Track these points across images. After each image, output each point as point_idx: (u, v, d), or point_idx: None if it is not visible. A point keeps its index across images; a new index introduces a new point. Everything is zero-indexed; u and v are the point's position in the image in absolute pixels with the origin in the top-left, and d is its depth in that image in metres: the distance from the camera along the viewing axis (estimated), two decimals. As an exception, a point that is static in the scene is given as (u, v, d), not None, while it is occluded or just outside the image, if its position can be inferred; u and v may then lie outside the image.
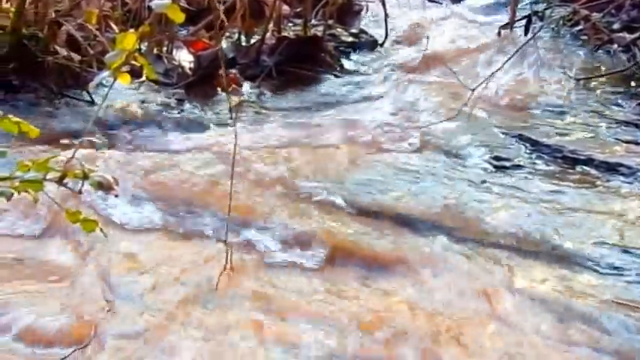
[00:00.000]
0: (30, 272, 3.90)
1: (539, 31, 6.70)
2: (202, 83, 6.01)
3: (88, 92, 5.67)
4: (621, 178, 4.80)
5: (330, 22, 7.13)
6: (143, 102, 5.61)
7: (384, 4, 7.16)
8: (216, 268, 3.84)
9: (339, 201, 4.42)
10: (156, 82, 5.87)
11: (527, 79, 6.10)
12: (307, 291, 3.75)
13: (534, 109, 5.70)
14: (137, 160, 4.85)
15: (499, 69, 5.53)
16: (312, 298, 3.69)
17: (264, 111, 5.74)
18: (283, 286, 3.78)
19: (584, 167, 4.92)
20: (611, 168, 4.89)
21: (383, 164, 4.85)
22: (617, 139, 5.32)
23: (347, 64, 6.65)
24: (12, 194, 2.42)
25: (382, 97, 5.86)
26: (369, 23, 7.60)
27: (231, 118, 5.41)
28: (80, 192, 2.47)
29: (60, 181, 2.42)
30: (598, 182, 4.75)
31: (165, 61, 6.27)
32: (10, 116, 2.45)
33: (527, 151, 5.06)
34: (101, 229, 2.53)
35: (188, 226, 4.23)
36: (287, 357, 3.34)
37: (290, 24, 7.21)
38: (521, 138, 5.19)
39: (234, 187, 4.15)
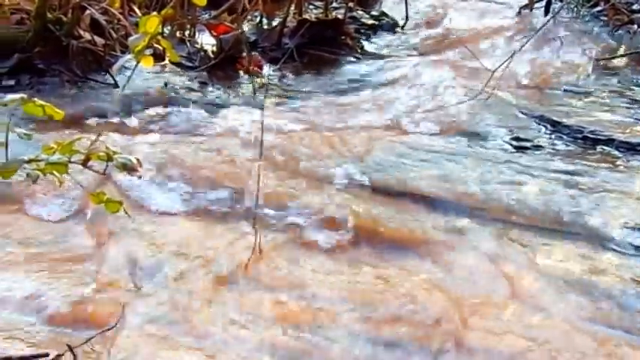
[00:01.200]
0: (58, 253, 3.96)
1: (559, 11, 6.69)
2: (224, 66, 6.02)
3: (111, 75, 5.70)
4: (642, 157, 4.80)
5: (351, 4, 7.13)
6: (166, 85, 5.63)
7: (404, -13, 7.16)
8: (242, 249, 3.88)
9: (362, 182, 4.44)
10: (178, 65, 5.89)
11: (547, 59, 6.08)
12: (332, 271, 3.78)
13: (554, 89, 5.68)
14: (160, 142, 4.88)
15: (519, 50, 5.52)
16: (336, 279, 3.72)
17: (285, 93, 5.75)
18: (309, 266, 3.81)
19: (605, 147, 4.91)
20: (632, 148, 4.87)
21: (404, 146, 4.86)
22: (637, 119, 5.30)
23: (368, 47, 6.64)
24: (38, 176, 2.46)
25: (403, 78, 5.85)
26: (390, 5, 7.60)
27: (253, 101, 5.44)
28: (104, 173, 2.50)
29: (84, 163, 2.46)
30: (618, 162, 4.74)
31: (188, 44, 6.29)
32: (35, 99, 2.48)
33: (548, 131, 5.05)
34: (125, 210, 2.56)
35: (211, 207, 4.26)
36: (314, 337, 3.37)
37: (311, 7, 7.22)
38: (541, 118, 5.18)
39: (255, 169, 4.19)
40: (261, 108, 4.48)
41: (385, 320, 3.46)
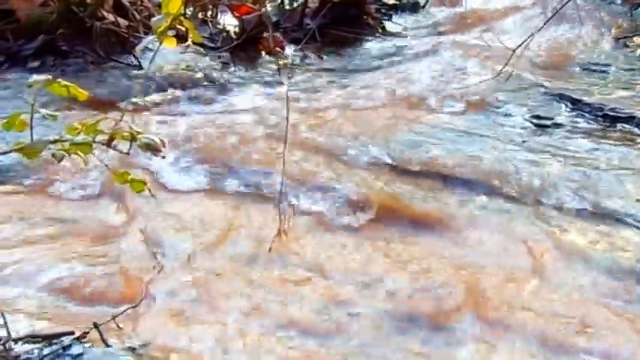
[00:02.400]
0: (82, 232, 4.00)
1: (578, -10, 6.65)
2: (247, 47, 6.04)
3: (135, 56, 5.73)
4: (662, 135, 4.78)
5: (372, -16, 7.12)
6: (189, 65, 5.66)
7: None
8: (265, 228, 3.91)
9: (384, 161, 4.46)
10: (201, 45, 5.92)
11: (566, 38, 6.06)
12: (354, 249, 3.81)
13: (574, 68, 5.67)
14: (183, 122, 4.91)
15: (539, 29, 5.50)
16: (358, 257, 3.75)
17: (307, 73, 5.76)
18: (330, 244, 3.84)
19: (625, 125, 4.89)
20: (652, 125, 4.88)
21: (425, 125, 4.87)
22: (657, 97, 5.29)
23: (389, 26, 6.64)
24: (63, 156, 2.49)
25: (424, 58, 5.85)
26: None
27: (275, 81, 5.45)
28: (128, 153, 2.52)
29: (109, 143, 2.48)
30: (639, 140, 4.73)
31: (210, 25, 6.31)
32: (60, 80, 2.51)
33: (568, 109, 5.04)
34: (149, 190, 2.59)
35: (235, 187, 4.29)
36: (336, 315, 3.40)
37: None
38: (561, 97, 5.17)
39: (279, 149, 4.21)
40: (284, 88, 4.49)
41: (407, 297, 3.49)
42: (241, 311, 3.42)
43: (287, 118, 4.00)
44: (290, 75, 5.50)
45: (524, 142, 4.66)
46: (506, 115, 4.97)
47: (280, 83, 4.95)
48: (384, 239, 3.87)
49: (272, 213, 3.98)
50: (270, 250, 3.76)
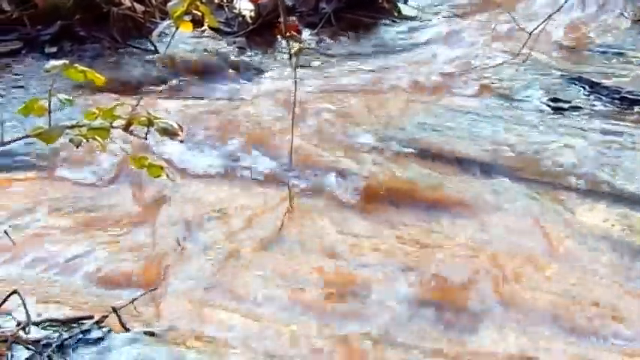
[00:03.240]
0: (100, 217, 4.01)
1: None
2: (262, 31, 6.03)
3: (151, 41, 5.74)
4: (680, 117, 4.76)
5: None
6: (205, 50, 5.65)
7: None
8: (280, 212, 3.92)
9: (400, 145, 4.45)
10: (217, 30, 5.91)
11: (584, 20, 6.01)
12: (369, 233, 3.81)
13: (592, 50, 5.62)
14: (200, 106, 4.92)
15: (556, 11, 5.48)
16: (373, 241, 3.75)
17: (323, 58, 5.74)
18: (345, 228, 3.84)
19: (642, 108, 4.89)
20: (670, 108, 4.85)
21: (442, 108, 4.85)
22: (675, 80, 5.26)
23: (405, 10, 6.59)
24: (81, 141, 2.50)
25: (440, 41, 5.82)
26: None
27: (291, 66, 5.44)
28: (145, 138, 2.53)
29: (126, 128, 2.49)
30: (656, 122, 4.72)
31: (226, 9, 6.30)
32: (77, 65, 2.51)
33: (586, 92, 5.01)
34: (167, 174, 2.60)
35: (251, 171, 4.29)
36: (352, 299, 3.41)
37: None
38: (579, 79, 5.14)
39: (295, 133, 4.21)
40: (296, 72, 4.48)
41: (424, 281, 3.49)
42: (259, 294, 3.44)
43: (294, 103, 4.01)
44: (301, 59, 5.48)
45: (541, 124, 4.65)
46: (524, 97, 4.94)
47: (296, 67, 4.94)
48: (400, 223, 3.87)
49: (285, 195, 4.00)
50: (281, 232, 3.76)
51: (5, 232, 3.71)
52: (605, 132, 4.57)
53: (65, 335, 3.14)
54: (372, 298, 3.41)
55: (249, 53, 5.77)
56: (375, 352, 3.14)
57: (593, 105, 4.88)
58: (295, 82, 4.18)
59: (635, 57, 5.49)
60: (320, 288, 3.47)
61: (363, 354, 3.13)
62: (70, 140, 2.48)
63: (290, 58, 5.61)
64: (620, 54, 5.57)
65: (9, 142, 2.60)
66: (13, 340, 3.01)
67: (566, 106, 4.85)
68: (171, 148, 4.35)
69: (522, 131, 4.57)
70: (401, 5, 6.62)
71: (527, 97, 4.95)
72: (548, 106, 4.85)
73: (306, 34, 6.07)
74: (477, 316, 3.31)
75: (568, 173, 4.18)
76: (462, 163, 4.30)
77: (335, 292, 3.45)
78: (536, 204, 3.96)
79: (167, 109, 4.75)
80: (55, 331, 3.16)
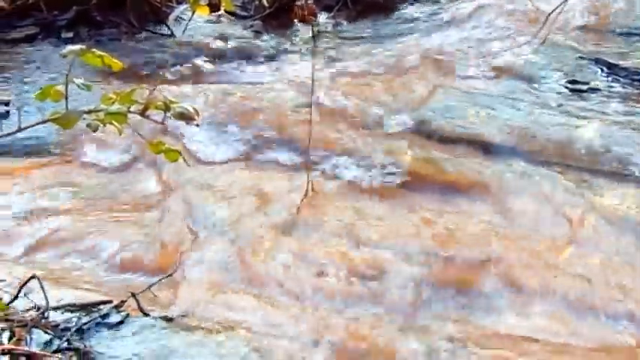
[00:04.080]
0: (118, 202, 4.02)
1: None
2: (279, 15, 6.01)
3: (167, 26, 5.74)
4: (699, 98, 4.73)
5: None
6: (221, 34, 5.65)
7: None
8: (298, 196, 3.91)
9: (417, 127, 4.43)
10: (233, 14, 5.90)
11: (603, 2, 5.98)
12: (387, 217, 3.80)
13: (610, 31, 5.58)
14: (216, 91, 4.91)
15: (575, -8, 5.46)
16: (392, 224, 3.74)
17: (340, 41, 5.73)
18: (364, 212, 3.84)
19: (661, 89, 4.86)
20: (690, 89, 4.82)
21: (460, 90, 4.83)
22: (695, 60, 5.22)
23: (422, -8, 6.58)
24: (98, 126, 2.50)
25: (458, 23, 5.79)
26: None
27: (308, 49, 5.43)
28: (163, 123, 2.52)
29: (143, 112, 2.49)
30: (675, 104, 4.69)
31: (243, -7, 6.29)
32: (94, 50, 2.51)
33: (604, 74, 4.98)
34: (184, 159, 2.59)
35: (268, 156, 4.29)
36: (371, 282, 3.41)
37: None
38: (597, 61, 5.10)
39: (313, 116, 4.20)
40: (313, 56, 4.48)
41: (443, 264, 3.49)
42: (276, 279, 3.44)
43: (312, 86, 4.01)
44: (318, 42, 5.47)
45: (559, 106, 4.62)
46: (542, 79, 4.91)
47: (311, 51, 4.93)
48: (418, 206, 3.86)
49: (302, 179, 3.98)
50: (299, 217, 3.76)
51: (24, 217, 3.72)
52: (623, 113, 4.54)
53: (84, 320, 3.16)
54: (390, 281, 3.40)
55: (265, 37, 5.76)
56: (393, 334, 3.14)
57: (612, 86, 4.85)
58: (313, 65, 4.18)
59: (654, 38, 5.46)
60: (338, 271, 3.47)
61: (381, 336, 3.13)
62: (88, 125, 2.47)
63: (307, 41, 5.59)
64: (639, 34, 5.53)
65: (27, 128, 2.60)
66: (33, 325, 3.03)
67: (584, 87, 4.82)
68: (188, 133, 4.34)
69: (541, 113, 4.54)
70: (418, -13, 6.59)
71: (545, 79, 4.92)
72: (567, 87, 4.82)
73: (322, 17, 6.06)
74: (496, 299, 3.30)
75: (587, 155, 4.16)
76: (480, 146, 4.28)
77: (353, 275, 3.45)
78: (555, 186, 3.94)
79: (183, 93, 4.75)
80: (73, 316, 3.17)
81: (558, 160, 4.14)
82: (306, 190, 3.87)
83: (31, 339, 3.03)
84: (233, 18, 5.90)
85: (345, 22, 6.00)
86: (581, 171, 4.06)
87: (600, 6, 5.88)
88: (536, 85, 4.86)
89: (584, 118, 4.49)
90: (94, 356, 2.99)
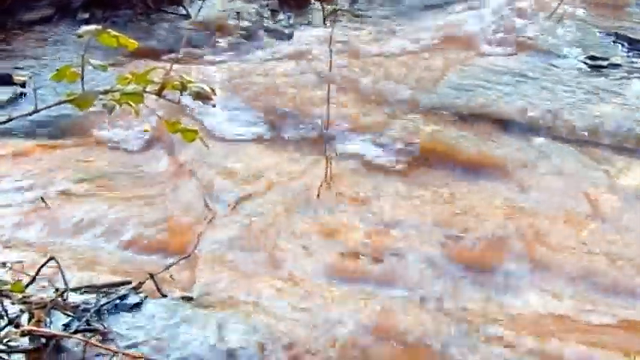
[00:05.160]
0: (135, 183, 4.02)
1: None
2: (295, -7, 6.00)
3: (183, 6, 5.72)
4: None
5: None
6: (237, 13, 5.63)
7: None
8: (316, 174, 3.90)
9: (436, 105, 4.42)
10: (249, -7, 5.88)
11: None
12: (405, 195, 3.79)
13: (630, 7, 5.55)
14: (233, 70, 4.90)
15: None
16: (410, 202, 3.73)
17: (357, 19, 5.71)
18: (383, 189, 3.83)
19: (683, 64, 4.82)
20: None
21: (479, 67, 4.81)
22: None
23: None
24: (114, 107, 2.48)
25: (477, 0, 5.77)
26: None
27: (325, 27, 5.41)
28: (179, 102, 2.51)
29: (159, 92, 2.47)
30: (697, 78, 4.66)
31: (259, -29, 6.27)
32: (109, 30, 2.49)
33: (624, 49, 4.95)
34: (201, 139, 2.57)
35: (286, 133, 4.28)
36: (389, 261, 3.40)
37: None
38: (617, 37, 5.07)
39: (331, 95, 4.18)
40: (331, 35, 4.45)
41: (461, 242, 3.48)
42: (294, 258, 3.44)
43: (330, 64, 3.98)
44: (334, 21, 5.45)
45: (579, 82, 4.59)
46: (561, 56, 4.89)
47: (328, 29, 4.91)
48: (436, 184, 3.86)
49: (320, 158, 3.96)
50: (318, 196, 3.74)
51: (41, 198, 3.72)
52: (643, 90, 4.52)
53: (103, 301, 3.15)
54: (408, 259, 3.39)
55: (281, 16, 5.74)
56: (411, 311, 3.13)
57: (632, 62, 4.82)
58: (330, 44, 4.15)
59: (675, 12, 5.42)
60: (356, 250, 3.46)
61: (399, 314, 3.11)
62: (104, 105, 2.46)
63: (324, 20, 5.57)
64: (660, 9, 5.51)
65: (43, 109, 2.59)
66: (52, 306, 3.03)
67: (604, 64, 4.79)
68: (205, 112, 4.33)
69: (560, 90, 4.52)
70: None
71: (564, 55, 4.90)
72: (586, 63, 4.79)
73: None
74: (514, 276, 3.30)
75: (606, 132, 4.14)
76: (499, 123, 4.27)
77: (371, 253, 3.44)
78: (575, 163, 3.94)
79: (200, 73, 4.74)
80: (92, 297, 3.17)
81: (578, 137, 4.13)
82: (326, 169, 3.85)
83: (50, 320, 3.03)
84: (249, -3, 5.89)
85: (362, 0, 5.97)
86: (602, 148, 4.04)
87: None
88: (554, 62, 4.83)
89: (604, 95, 4.46)
90: (113, 337, 2.99)
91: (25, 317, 2.96)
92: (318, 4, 5.80)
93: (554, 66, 4.78)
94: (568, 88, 4.53)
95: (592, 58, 4.85)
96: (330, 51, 4.20)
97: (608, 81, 4.61)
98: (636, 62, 4.82)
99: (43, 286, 3.17)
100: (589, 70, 4.74)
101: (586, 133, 4.14)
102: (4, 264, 3.29)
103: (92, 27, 2.49)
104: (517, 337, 3.01)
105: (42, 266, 3.19)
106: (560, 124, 4.22)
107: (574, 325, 3.10)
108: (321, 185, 3.81)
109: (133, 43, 2.51)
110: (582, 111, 4.31)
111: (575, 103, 4.38)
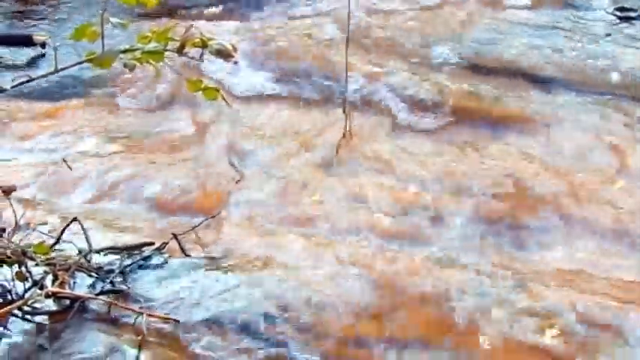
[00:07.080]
0: (158, 144, 4.00)
1: None
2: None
3: (203, -37, 5.68)
4: None
5: None
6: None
7: None
8: (338, 133, 3.87)
9: (460, 60, 4.37)
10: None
11: None
12: (431, 152, 3.75)
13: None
14: (253, 27, 4.86)
15: None
16: (436, 160, 3.69)
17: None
18: (407, 148, 3.79)
19: None
20: None
21: (503, 21, 4.74)
22: None
23: None
24: (134, 65, 2.46)
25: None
26: None
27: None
28: (201, 59, 2.48)
29: (180, 50, 2.44)
30: None
31: None
32: (129, -13, 2.47)
33: (654, 0, 4.88)
34: (223, 97, 2.55)
35: (306, 92, 4.25)
36: (417, 220, 3.37)
37: None
38: (647, -13, 5.01)
39: (350, 51, 4.13)
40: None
41: (486, 199, 3.44)
42: (320, 218, 3.42)
43: (348, 21, 3.95)
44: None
45: (607, 35, 4.52)
46: (588, 7, 4.81)
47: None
48: (464, 141, 3.82)
49: (341, 116, 3.94)
50: (337, 152, 3.72)
51: (63, 159, 3.71)
52: (676, 40, 4.46)
53: (127, 262, 3.15)
54: (433, 218, 3.37)
55: (303, -29, 5.68)
56: (437, 271, 3.10)
57: (663, 12, 4.75)
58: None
59: None
60: (380, 209, 3.44)
61: (425, 273, 3.09)
62: (125, 65, 2.44)
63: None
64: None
65: (64, 69, 2.57)
66: (76, 268, 3.03)
67: (633, 14, 4.70)
68: (225, 70, 4.31)
69: (588, 42, 4.45)
70: None
71: (591, 6, 4.82)
72: (615, 15, 4.71)
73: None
74: (542, 234, 3.27)
75: (636, 85, 4.06)
76: (524, 78, 4.22)
77: (395, 212, 3.41)
78: (603, 118, 3.88)
79: (220, 30, 4.71)
80: (116, 258, 3.17)
81: (605, 90, 4.08)
82: (345, 127, 3.82)
83: (74, 282, 3.04)
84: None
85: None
86: (630, 101, 3.98)
87: None
88: (582, 14, 4.75)
89: (634, 46, 4.38)
90: (138, 298, 2.98)
91: (49, 279, 2.96)
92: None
93: (581, 18, 4.71)
94: (596, 41, 4.46)
95: (620, 9, 4.76)
96: (349, 6, 4.15)
97: (638, 32, 4.54)
98: (667, 12, 4.75)
99: (68, 250, 3.17)
100: (617, 21, 4.66)
101: (615, 87, 4.08)
102: (27, 225, 3.28)
103: (111, -16, 2.46)
104: (544, 290, 2.98)
105: (65, 227, 3.19)
106: (587, 78, 4.16)
107: (602, 281, 3.06)
108: (342, 142, 3.78)
109: (151, 0, 2.49)
110: (609, 64, 4.24)
111: (604, 55, 4.32)
